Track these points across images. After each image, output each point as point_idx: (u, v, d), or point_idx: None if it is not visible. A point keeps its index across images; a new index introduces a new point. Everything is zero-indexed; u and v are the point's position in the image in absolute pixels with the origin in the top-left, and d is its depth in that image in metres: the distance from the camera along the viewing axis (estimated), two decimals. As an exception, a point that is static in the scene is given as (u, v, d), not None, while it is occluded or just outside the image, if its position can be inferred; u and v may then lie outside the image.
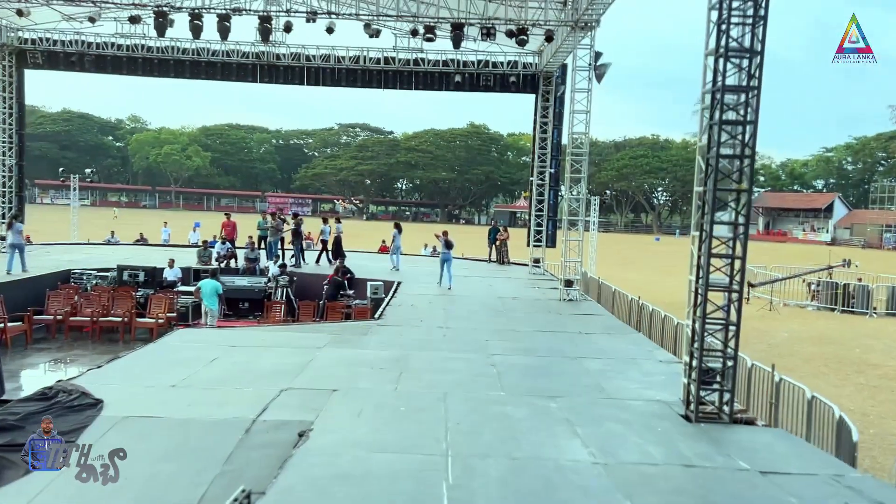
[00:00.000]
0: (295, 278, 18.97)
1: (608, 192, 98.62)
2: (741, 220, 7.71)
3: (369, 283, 17.37)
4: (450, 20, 17.98)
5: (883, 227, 77.91)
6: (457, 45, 18.38)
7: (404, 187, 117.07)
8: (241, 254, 20.84)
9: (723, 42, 7.61)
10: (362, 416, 7.52)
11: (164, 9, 17.20)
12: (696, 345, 7.91)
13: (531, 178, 22.60)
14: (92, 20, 18.97)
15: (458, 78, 22.05)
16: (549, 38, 18.05)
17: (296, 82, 22.77)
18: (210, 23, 17.87)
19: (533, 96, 22.32)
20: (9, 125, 22.33)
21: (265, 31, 18.12)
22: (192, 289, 17.55)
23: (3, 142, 22.24)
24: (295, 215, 23.24)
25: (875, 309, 25.09)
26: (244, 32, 20.09)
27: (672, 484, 6.07)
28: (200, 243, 22.59)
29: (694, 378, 7.94)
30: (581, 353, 11.29)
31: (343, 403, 8.00)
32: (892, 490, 6.39)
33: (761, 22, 7.50)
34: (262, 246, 21.70)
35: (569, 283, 17.34)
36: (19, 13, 18.31)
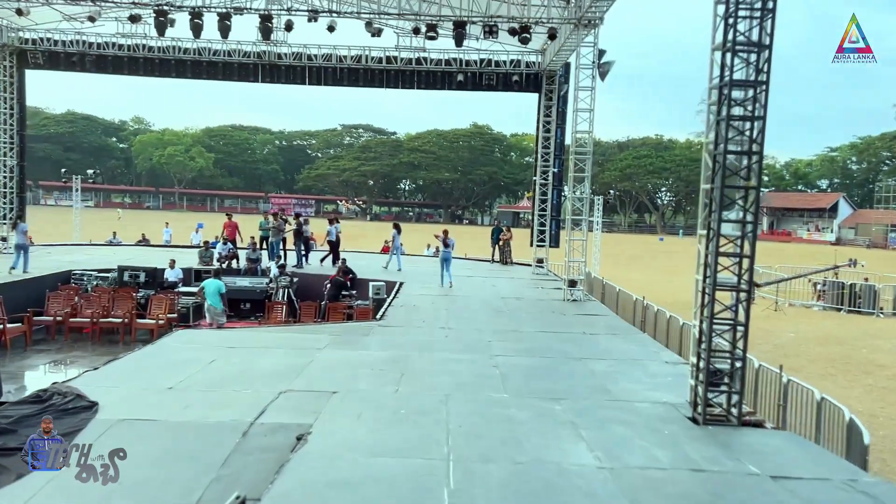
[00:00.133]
0: (296, 279, 18.84)
1: (612, 191, 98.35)
2: (749, 217, 7.54)
3: (371, 284, 17.25)
4: (452, 18, 17.84)
5: (888, 226, 77.52)
6: (459, 43, 18.22)
7: (407, 188, 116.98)
8: (242, 254, 20.70)
9: (730, 36, 7.44)
10: (362, 419, 7.36)
11: (165, 8, 17.09)
12: (703, 345, 7.73)
13: (534, 178, 22.43)
14: (92, 19, 18.86)
15: (460, 77, 21.89)
16: (552, 35, 17.90)
17: (297, 82, 22.64)
18: (211, 22, 17.79)
19: (536, 95, 22.15)
20: (10, 126, 22.25)
21: (266, 29, 18.00)
22: (193, 289, 17.47)
23: (4, 142, 22.15)
24: (297, 215, 23.10)
25: (882, 309, 24.90)
26: (245, 32, 20.02)
27: (680, 489, 5.89)
28: (202, 244, 22.47)
29: (701, 379, 7.76)
30: (585, 354, 11.12)
31: (342, 406, 7.84)
32: None
33: (769, 15, 7.33)
34: (264, 246, 21.56)
35: (572, 284, 17.16)
36: (19, 12, 18.20)
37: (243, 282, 18.09)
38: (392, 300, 15.97)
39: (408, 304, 15.51)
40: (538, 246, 22.45)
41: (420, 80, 22.26)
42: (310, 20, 18.20)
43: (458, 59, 21.75)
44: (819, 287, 27.21)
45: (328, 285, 17.62)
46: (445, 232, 19.23)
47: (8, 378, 12.49)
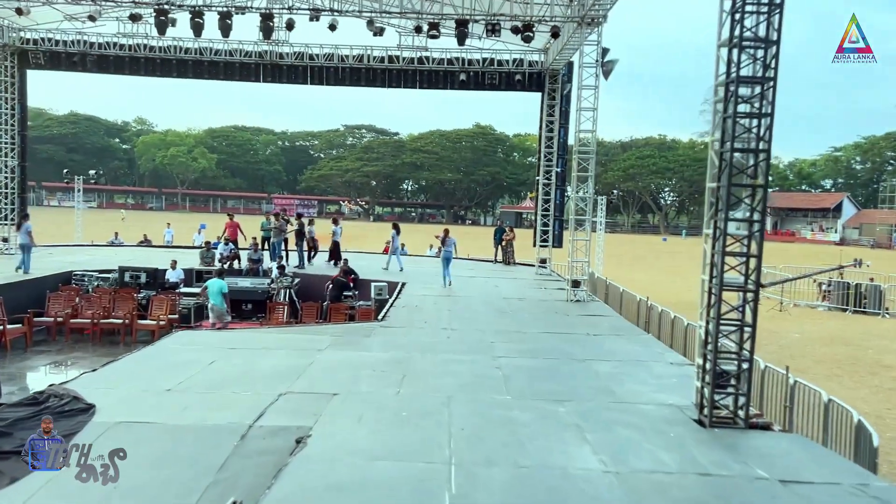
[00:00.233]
0: (298, 279, 18.74)
1: (615, 192, 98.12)
2: (757, 216, 7.40)
3: (373, 284, 17.14)
4: (454, 17, 17.73)
5: (892, 226, 77.18)
6: (461, 41, 18.11)
7: (410, 188, 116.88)
8: (244, 255, 20.60)
9: (736, 32, 7.31)
10: (363, 422, 7.24)
11: (165, 7, 17.00)
12: (709, 346, 7.60)
13: (537, 178, 22.30)
14: (92, 18, 18.77)
15: (462, 76, 21.78)
16: (555, 34, 17.76)
17: (299, 81, 22.55)
18: (212, 21, 17.69)
19: (539, 95, 22.05)
20: (11, 126, 22.19)
21: (267, 29, 17.88)
22: (194, 290, 17.37)
23: (6, 143, 22.09)
24: (299, 216, 23.00)
25: (888, 309, 24.70)
26: (247, 31, 19.92)
27: (687, 494, 5.76)
28: (203, 245, 22.38)
29: (707, 381, 7.63)
30: (589, 355, 10.99)
31: (343, 408, 7.72)
32: None
33: (777, 10, 7.20)
34: (266, 247, 21.47)
35: (576, 284, 17.03)
36: (18, 12, 18.12)
37: (245, 282, 17.99)
38: (394, 301, 15.86)
39: (410, 304, 15.39)
40: (541, 246, 22.32)
41: (422, 80, 22.16)
42: (311, 19, 18.09)
43: (460, 59, 21.65)
44: (824, 287, 27.02)
45: (330, 286, 17.52)
46: (446, 231, 19.18)
47: (8, 379, 12.43)
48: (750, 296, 7.45)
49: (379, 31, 19.52)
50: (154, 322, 15.85)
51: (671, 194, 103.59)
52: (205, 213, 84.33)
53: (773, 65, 7.26)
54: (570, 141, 19.93)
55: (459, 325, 13.12)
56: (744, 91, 7.47)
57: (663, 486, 5.85)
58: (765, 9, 7.22)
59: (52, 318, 15.80)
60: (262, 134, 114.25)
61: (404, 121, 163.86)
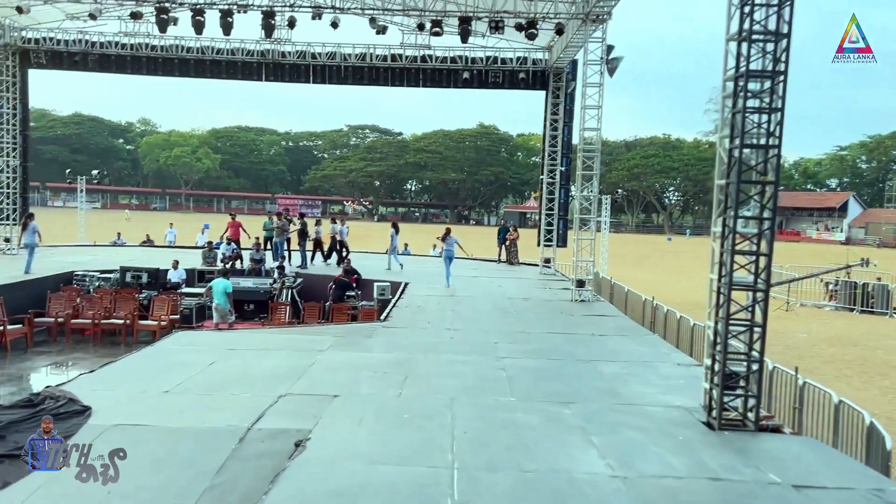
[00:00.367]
0: (301, 279, 18.61)
1: (619, 191, 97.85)
2: (767, 214, 7.23)
3: (376, 284, 17.00)
4: (457, 14, 17.57)
5: (899, 225, 76.77)
6: (464, 39, 17.94)
7: (413, 188, 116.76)
8: (246, 255, 20.48)
9: (746, 25, 7.14)
10: (363, 424, 7.09)
11: (166, 5, 16.88)
12: (718, 347, 7.43)
13: (541, 177, 22.13)
14: (93, 17, 18.68)
15: (466, 75, 21.59)
16: (559, 31, 17.59)
17: (301, 80, 22.37)
18: (213, 19, 17.57)
19: (543, 93, 21.86)
20: (13, 126, 22.08)
21: (269, 27, 17.74)
22: (195, 290, 17.27)
23: (7, 142, 22.01)
24: (301, 216, 22.88)
25: (895, 309, 24.45)
26: (248, 30, 19.79)
27: (697, 499, 5.59)
28: (206, 244, 22.28)
29: (716, 382, 7.45)
30: (595, 355, 10.82)
31: (344, 410, 7.57)
32: None
33: (788, 2, 7.02)
34: (268, 247, 21.35)
35: (581, 284, 16.86)
36: (19, 10, 18.01)
37: (247, 282, 17.85)
38: (397, 301, 15.71)
39: (413, 304, 15.25)
40: (545, 245, 22.15)
41: (425, 78, 21.97)
42: (314, 17, 17.97)
43: (463, 57, 21.47)
44: (831, 287, 26.79)
45: (332, 286, 17.38)
46: (447, 230, 19.11)
47: (8, 380, 12.34)
48: (760, 295, 7.27)
49: (381, 30, 19.40)
50: (155, 322, 15.74)
51: (675, 194, 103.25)
52: (209, 213, 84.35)
53: (783, 58, 7.08)
54: (575, 140, 19.78)
55: (463, 326, 12.96)
56: (753, 86, 7.30)
57: (672, 492, 5.68)
58: (775, 1, 7.05)
59: (53, 319, 15.70)
60: (266, 134, 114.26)
61: (407, 120, 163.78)
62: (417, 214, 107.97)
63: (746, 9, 7.13)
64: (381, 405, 7.77)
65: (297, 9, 17.88)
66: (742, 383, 7.45)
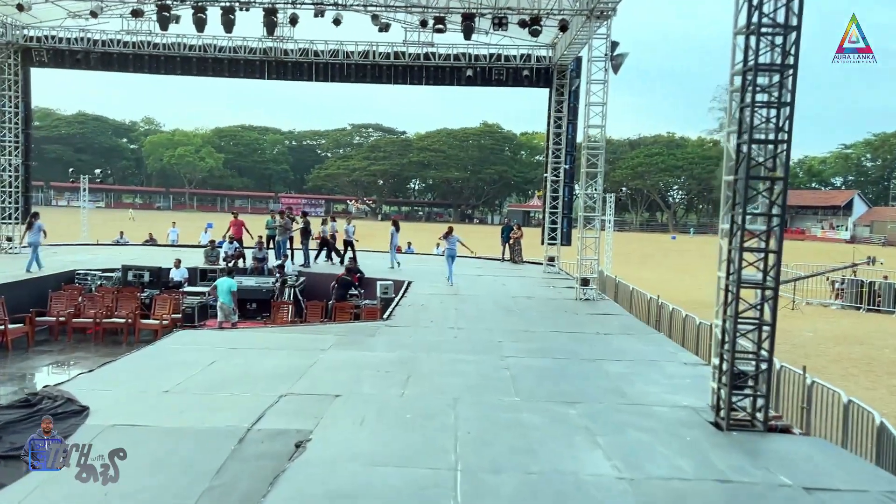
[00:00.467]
0: (303, 278, 18.50)
1: (623, 189, 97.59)
2: (776, 210, 7.09)
3: (379, 283, 16.89)
4: (460, 10, 17.41)
5: (904, 224, 76.38)
6: (468, 36, 17.79)
7: (417, 187, 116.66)
8: (249, 253, 20.39)
9: (755, 18, 7.00)
10: (365, 425, 6.98)
11: (167, 2, 16.77)
12: (726, 346, 7.29)
13: (545, 175, 21.99)
14: (94, 14, 18.55)
15: (469, 72, 21.44)
16: (563, 27, 17.42)
17: (304, 78, 22.25)
18: (214, 17, 17.44)
19: (546, 91, 21.69)
20: (14, 124, 22.01)
21: (270, 23, 17.59)
22: (197, 289, 17.18)
23: (9, 141, 21.94)
24: (304, 214, 22.78)
25: (903, 308, 24.26)
26: (250, 28, 19.65)
27: (706, 501, 5.47)
28: (208, 243, 22.20)
29: (724, 382, 7.32)
30: (600, 354, 10.70)
31: (345, 410, 7.46)
32: None
33: (798, -6, 6.88)
34: (271, 246, 21.25)
35: (585, 282, 16.72)
36: (19, 7, 17.92)
37: (249, 281, 17.75)
38: (400, 299, 15.61)
39: (416, 303, 15.14)
40: (549, 244, 22.02)
41: (428, 76, 21.84)
42: (316, 15, 17.83)
43: (466, 54, 21.31)
44: (837, 285, 26.60)
45: (335, 285, 17.27)
46: (450, 228, 19.08)
47: (9, 380, 12.27)
48: (769, 293, 7.14)
49: (384, 27, 19.27)
50: (157, 321, 15.65)
51: (679, 192, 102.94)
52: (212, 212, 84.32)
53: (793, 52, 6.94)
54: (579, 138, 19.65)
55: (466, 325, 12.85)
56: (761, 80, 7.16)
57: (680, 494, 5.56)
58: (784, -7, 6.91)
59: (55, 318, 15.62)
60: (269, 133, 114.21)
61: (410, 119, 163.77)
62: (421, 213, 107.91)
63: (755, 1, 6.99)
64: (384, 405, 7.66)
65: (298, 6, 17.76)
66: (751, 383, 7.32)
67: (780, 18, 7.01)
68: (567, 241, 21.82)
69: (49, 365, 13.67)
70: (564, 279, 20.34)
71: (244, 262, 20.20)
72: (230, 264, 19.32)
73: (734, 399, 7.31)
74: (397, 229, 21.86)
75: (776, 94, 7.09)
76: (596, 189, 17.11)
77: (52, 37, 21.61)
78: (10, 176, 22.05)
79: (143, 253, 23.81)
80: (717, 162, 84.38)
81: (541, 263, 22.82)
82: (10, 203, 22.02)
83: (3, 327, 14.11)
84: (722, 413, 7.34)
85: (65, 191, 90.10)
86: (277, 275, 17.96)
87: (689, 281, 29.64)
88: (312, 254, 21.55)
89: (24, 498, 5.41)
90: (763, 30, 7.00)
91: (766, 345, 7.22)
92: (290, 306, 16.85)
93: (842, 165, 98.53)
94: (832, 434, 7.71)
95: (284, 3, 17.86)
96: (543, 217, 22.60)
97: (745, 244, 7.15)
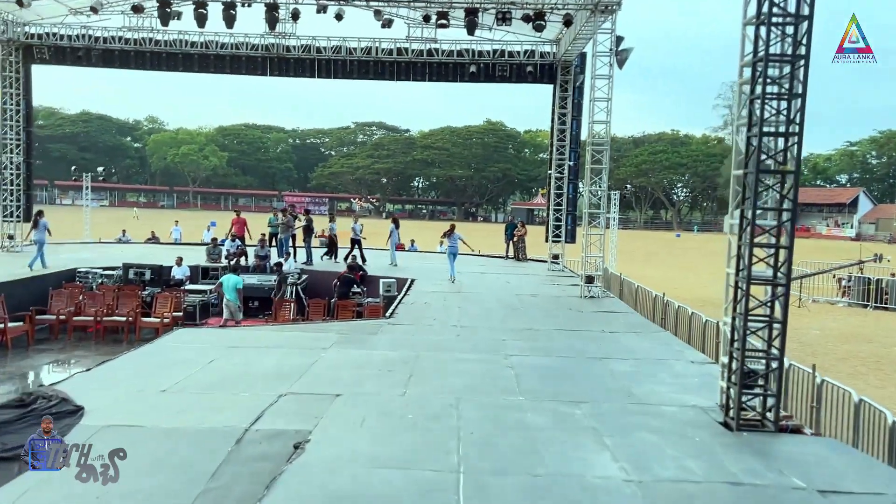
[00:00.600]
0: (305, 276, 18.37)
1: (627, 186, 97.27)
2: (787, 205, 6.90)
3: (381, 281, 16.75)
4: (463, 5, 17.24)
5: (910, 221, 75.99)
6: (471, 31, 17.63)
7: (421, 185, 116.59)
8: (251, 251, 20.27)
9: (765, 8, 6.81)
10: (365, 425, 6.82)
11: (168, -2, 16.66)
12: (736, 344, 7.11)
13: (549, 172, 21.81)
14: (94, 10, 18.43)
15: (472, 68, 21.25)
16: (567, 22, 17.24)
17: (306, 75, 22.10)
18: (216, 12, 17.31)
19: (550, 87, 21.53)
20: (16, 122, 21.92)
21: (272, 19, 17.46)
22: (199, 287, 17.07)
23: (11, 139, 21.84)
24: (307, 212, 22.66)
25: (911, 305, 24.01)
26: (252, 24, 19.54)
27: (717, 505, 5.29)
28: (210, 241, 22.12)
29: (734, 381, 7.15)
30: (606, 353, 10.52)
31: (346, 410, 7.30)
32: None
33: (809, -17, 6.69)
34: (274, 243, 21.14)
35: (590, 280, 16.55)
36: (19, 3, 17.80)
37: (252, 279, 17.63)
38: (402, 297, 15.47)
39: (419, 301, 14.99)
40: (554, 241, 21.84)
41: (431, 73, 21.67)
42: (318, 10, 17.69)
43: (470, 51, 21.13)
44: (844, 283, 26.36)
45: (337, 283, 17.13)
46: (452, 226, 19.03)
47: (8, 378, 12.16)
48: (780, 290, 6.96)
49: (387, 23, 19.12)
50: (158, 320, 15.53)
51: (684, 190, 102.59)
52: (216, 210, 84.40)
53: (804, 41, 6.76)
54: (584, 135, 19.46)
55: (470, 323, 12.69)
56: (772, 72, 6.98)
57: (690, 497, 5.38)
58: (796, -19, 6.72)
59: (55, 316, 15.51)
60: (273, 132, 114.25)
61: (414, 117, 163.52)
62: (424, 211, 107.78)
63: (766, -10, 6.81)
64: (385, 405, 7.50)
65: (300, 1, 17.60)
66: (761, 382, 7.15)
67: (791, 8, 6.83)
68: (571, 238, 21.65)
69: (49, 363, 13.55)
70: (569, 277, 20.18)
71: (246, 259, 20.10)
72: (232, 262, 19.20)
73: (744, 398, 7.13)
74: (397, 226, 21.80)
75: (787, 85, 6.91)
76: (600, 186, 16.94)
77: (54, 34, 21.52)
78: (11, 174, 21.97)
79: (145, 251, 23.70)
80: (721, 159, 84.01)
81: (545, 261, 22.66)
82: (11, 201, 21.94)
83: (2, 325, 13.98)
84: (731, 413, 7.16)
85: (69, 189, 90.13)
86: (277, 272, 17.82)
87: (693, 279, 29.41)
88: (315, 252, 21.42)
89: (17, 498, 5.26)
90: (774, 19, 6.82)
91: (776, 343, 7.04)
92: (292, 304, 16.72)
93: (847, 163, 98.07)
94: (843, 434, 7.53)
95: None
96: (548, 214, 22.42)
97: (755, 240, 6.97)
